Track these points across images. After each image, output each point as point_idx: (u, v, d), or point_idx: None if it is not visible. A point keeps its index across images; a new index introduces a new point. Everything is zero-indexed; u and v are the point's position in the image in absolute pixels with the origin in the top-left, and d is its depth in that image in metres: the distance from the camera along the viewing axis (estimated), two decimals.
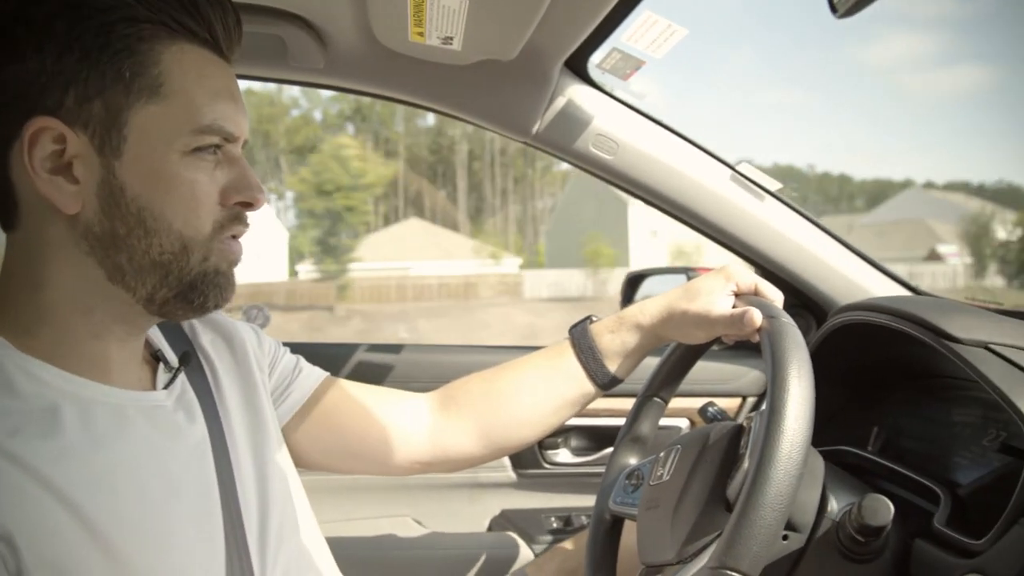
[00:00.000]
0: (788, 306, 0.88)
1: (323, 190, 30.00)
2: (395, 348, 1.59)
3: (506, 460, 1.63)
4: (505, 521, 1.61)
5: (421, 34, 1.00)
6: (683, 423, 1.64)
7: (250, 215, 0.75)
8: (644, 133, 1.35)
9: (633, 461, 1.02)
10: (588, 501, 1.62)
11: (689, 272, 1.71)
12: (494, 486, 1.64)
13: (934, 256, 34.19)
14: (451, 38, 1.01)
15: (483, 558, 1.47)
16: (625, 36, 1.11)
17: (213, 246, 0.72)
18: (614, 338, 0.96)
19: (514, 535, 1.55)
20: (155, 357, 0.81)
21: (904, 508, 0.78)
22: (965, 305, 1.05)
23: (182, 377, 0.80)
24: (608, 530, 1.00)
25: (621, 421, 1.04)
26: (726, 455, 0.83)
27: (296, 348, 1.02)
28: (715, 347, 0.98)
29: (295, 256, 36.96)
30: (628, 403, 1.06)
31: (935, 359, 0.97)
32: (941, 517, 0.81)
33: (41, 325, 0.69)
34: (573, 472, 1.65)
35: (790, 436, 0.65)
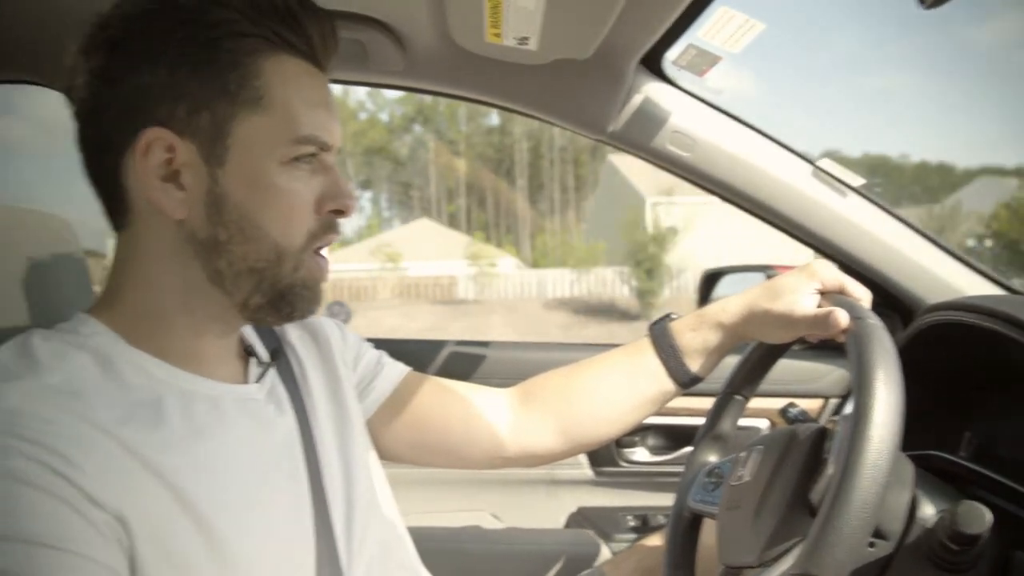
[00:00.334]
0: (873, 305, 0.85)
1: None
2: (476, 345, 1.61)
3: (583, 458, 1.63)
4: (582, 518, 1.61)
5: (497, 35, 1.01)
6: (763, 423, 1.61)
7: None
8: (722, 129, 1.34)
9: (713, 459, 1.01)
10: (664, 500, 1.62)
11: (768, 270, 1.68)
12: (571, 483, 1.64)
13: None
14: (527, 38, 1.02)
15: (561, 555, 1.48)
16: (701, 32, 1.10)
17: (304, 258, 0.74)
18: (695, 336, 0.95)
19: (591, 533, 1.55)
20: (247, 352, 0.84)
21: (1001, 518, 0.75)
22: None
23: (272, 371, 0.83)
24: (687, 528, 0.99)
25: (698, 420, 1.03)
26: (809, 458, 0.81)
27: (379, 344, 1.04)
28: (796, 347, 0.96)
29: None
30: (705, 402, 1.05)
31: None
32: None
33: (148, 321, 0.72)
34: (650, 471, 1.64)
35: (877, 443, 0.63)
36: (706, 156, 1.33)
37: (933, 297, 1.37)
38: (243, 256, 0.71)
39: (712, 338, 0.95)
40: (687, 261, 21.76)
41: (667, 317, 1.00)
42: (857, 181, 1.37)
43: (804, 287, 0.88)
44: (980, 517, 0.71)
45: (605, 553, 1.49)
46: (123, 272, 0.74)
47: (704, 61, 1.15)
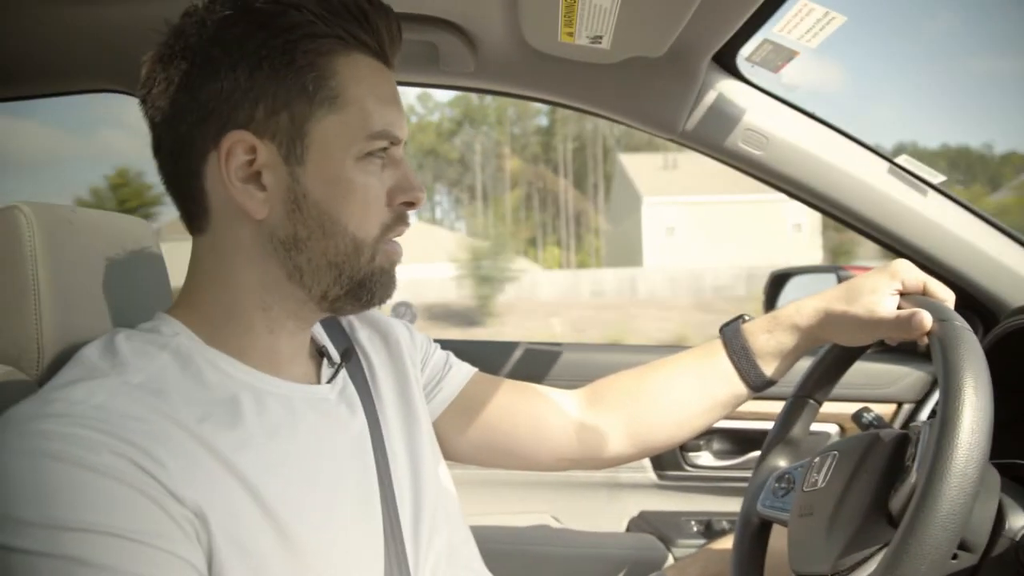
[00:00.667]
0: (954, 307, 0.83)
1: None
2: (543, 346, 1.62)
3: (646, 461, 1.62)
4: (644, 522, 1.60)
5: (571, 34, 1.01)
6: (832, 428, 1.57)
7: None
8: (795, 127, 1.31)
9: (783, 464, 0.99)
10: (729, 506, 1.60)
11: (840, 272, 1.64)
12: (633, 487, 1.63)
13: None
14: (600, 37, 1.01)
15: (625, 559, 1.47)
16: (777, 27, 1.08)
17: (379, 247, 0.76)
18: (769, 339, 0.94)
19: (653, 537, 1.54)
20: (319, 353, 0.85)
21: None
22: None
23: (343, 372, 0.84)
24: (755, 534, 0.97)
25: (766, 425, 1.02)
26: (890, 465, 0.79)
27: (446, 345, 1.05)
28: (871, 349, 0.93)
29: None
30: (773, 406, 1.03)
31: None
32: None
33: (226, 320, 0.74)
34: (714, 476, 1.62)
35: (965, 450, 0.61)
36: (779, 154, 1.31)
37: (1018, 299, 1.32)
38: (323, 251, 0.73)
39: (787, 340, 0.93)
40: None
41: (740, 319, 0.98)
42: (937, 178, 1.33)
43: (885, 288, 0.86)
44: None
45: (666, 557, 1.48)
46: (201, 273, 0.76)
47: (779, 57, 1.12)
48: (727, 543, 1.04)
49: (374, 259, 0.75)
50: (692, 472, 1.61)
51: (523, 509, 1.62)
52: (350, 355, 0.87)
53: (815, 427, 1.49)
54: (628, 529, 1.62)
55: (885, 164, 1.33)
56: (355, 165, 0.73)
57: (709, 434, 1.62)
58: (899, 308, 0.84)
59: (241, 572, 0.62)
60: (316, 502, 0.70)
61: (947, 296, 0.85)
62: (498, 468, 1.03)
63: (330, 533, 0.70)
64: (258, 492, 0.65)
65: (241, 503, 0.65)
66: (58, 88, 1.36)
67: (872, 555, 0.72)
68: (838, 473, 0.83)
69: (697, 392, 0.97)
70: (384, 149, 0.75)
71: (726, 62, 1.27)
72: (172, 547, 0.59)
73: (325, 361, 0.84)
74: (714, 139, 1.31)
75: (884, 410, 1.55)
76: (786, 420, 0.99)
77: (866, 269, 0.94)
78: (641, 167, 35.72)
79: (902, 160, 1.33)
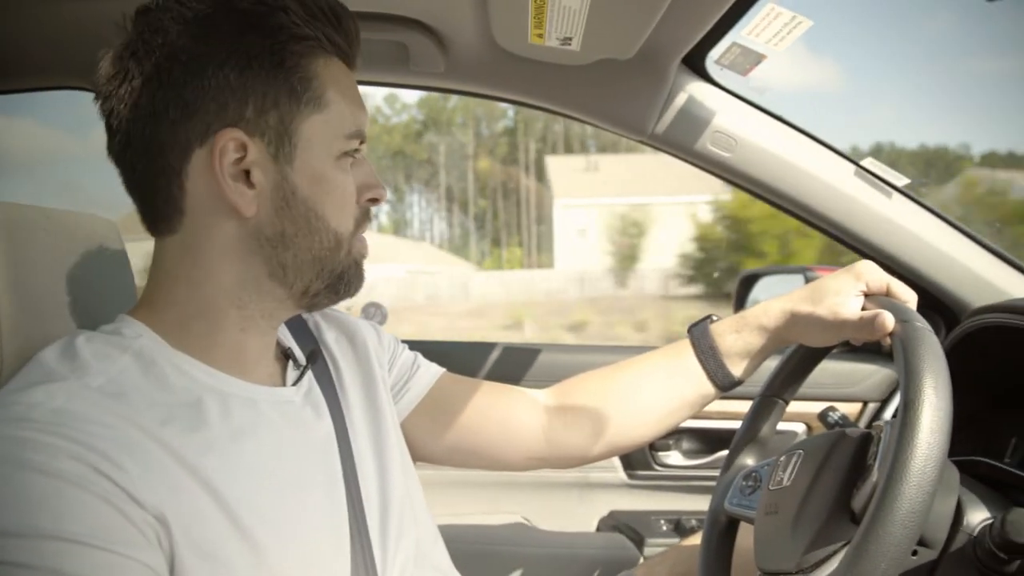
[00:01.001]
0: (917, 308, 0.84)
1: None
2: (513, 346, 1.62)
3: (616, 461, 1.63)
4: (614, 522, 1.61)
5: (541, 35, 1.01)
6: (799, 427, 1.59)
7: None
8: (764, 129, 1.32)
9: (750, 462, 1.00)
10: (698, 504, 1.61)
11: (807, 272, 1.66)
12: (603, 486, 1.64)
13: None
14: (570, 38, 1.02)
15: (594, 559, 1.47)
16: (746, 30, 1.09)
17: (354, 241, 0.77)
18: (737, 339, 0.95)
19: (623, 536, 1.54)
20: (285, 355, 0.85)
21: None
22: None
23: (309, 374, 0.84)
24: (723, 531, 0.98)
25: (732, 424, 1.03)
26: (852, 463, 0.80)
27: (414, 345, 1.04)
28: (836, 349, 0.95)
29: None
30: (741, 405, 1.04)
31: None
32: None
33: (196, 319, 0.73)
34: (683, 475, 1.63)
35: (924, 450, 0.62)
36: (747, 157, 1.32)
37: (979, 300, 1.35)
38: (308, 247, 0.74)
39: (754, 341, 0.94)
40: None
41: (708, 319, 0.99)
42: (901, 181, 1.35)
43: (849, 289, 0.87)
44: None
45: (635, 556, 1.48)
46: (167, 273, 0.74)
47: (748, 60, 1.14)
48: (696, 541, 1.04)
49: (350, 253, 0.77)
50: (662, 471, 1.62)
51: (494, 509, 1.62)
52: (316, 357, 0.87)
53: (782, 426, 1.50)
54: (598, 528, 1.62)
55: (851, 167, 1.35)
56: (335, 164, 0.74)
57: (678, 433, 1.63)
58: (863, 309, 0.85)
59: None
60: (281, 505, 0.69)
61: (910, 297, 0.86)
62: (468, 468, 1.03)
63: (295, 536, 0.69)
64: (221, 496, 0.65)
65: (204, 507, 0.64)
66: (15, 85, 1.33)
67: (835, 552, 0.73)
68: (803, 472, 0.84)
69: (665, 392, 0.98)
70: (356, 149, 0.76)
71: (696, 64, 1.28)
72: (132, 552, 0.58)
73: (291, 363, 0.84)
74: (683, 141, 1.32)
75: (850, 409, 1.57)
76: (754, 419, 1.00)
77: (832, 270, 0.95)
78: (561, 169, 36.16)
79: (868, 163, 1.35)
